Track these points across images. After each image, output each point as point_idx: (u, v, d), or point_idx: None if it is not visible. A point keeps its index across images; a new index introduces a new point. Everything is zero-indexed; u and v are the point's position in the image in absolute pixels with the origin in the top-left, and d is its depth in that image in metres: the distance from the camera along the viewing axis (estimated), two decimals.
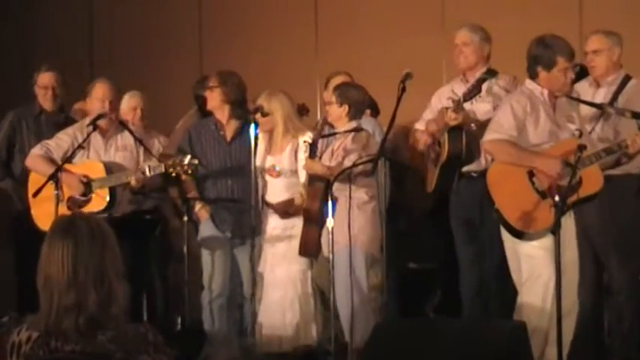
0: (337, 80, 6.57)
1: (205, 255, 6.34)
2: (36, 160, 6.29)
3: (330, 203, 5.57)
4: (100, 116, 6.19)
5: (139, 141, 6.28)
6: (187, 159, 5.91)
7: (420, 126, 6.26)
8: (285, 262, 6.11)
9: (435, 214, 6.58)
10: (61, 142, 6.30)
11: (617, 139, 5.57)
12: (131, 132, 6.30)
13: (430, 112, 6.22)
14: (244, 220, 6.15)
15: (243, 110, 6.29)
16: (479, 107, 6.04)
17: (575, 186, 5.10)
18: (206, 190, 6.35)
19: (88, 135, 6.18)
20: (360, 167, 5.72)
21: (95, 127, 6.17)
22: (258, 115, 6.09)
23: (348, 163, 5.80)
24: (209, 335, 6.31)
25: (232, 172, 6.31)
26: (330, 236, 5.59)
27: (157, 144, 6.44)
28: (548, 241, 5.04)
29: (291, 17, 8.51)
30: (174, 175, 5.94)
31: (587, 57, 5.92)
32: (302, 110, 6.38)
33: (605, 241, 5.77)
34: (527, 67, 5.48)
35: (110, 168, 6.18)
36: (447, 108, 5.97)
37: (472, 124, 5.90)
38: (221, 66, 6.84)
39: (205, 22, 8.82)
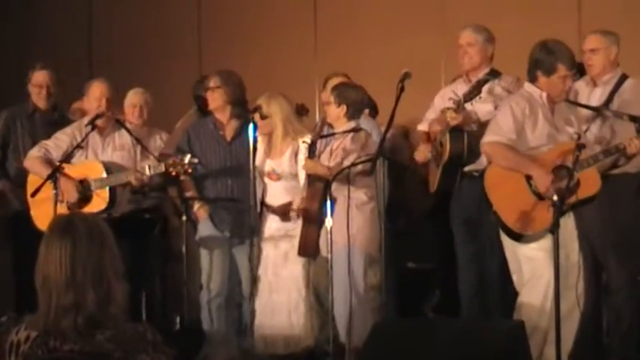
0: (335, 81, 6.57)
1: (204, 254, 6.34)
2: (34, 162, 6.29)
3: (328, 203, 5.57)
4: (98, 116, 6.20)
5: (136, 139, 6.28)
6: (187, 158, 5.91)
7: (422, 127, 6.27)
8: (289, 264, 6.11)
9: (434, 214, 6.59)
10: (59, 142, 6.31)
11: (613, 140, 5.58)
12: (128, 130, 6.29)
13: (433, 112, 6.23)
14: (243, 220, 6.15)
15: (244, 110, 6.29)
16: (481, 107, 6.04)
17: (573, 188, 5.11)
18: (206, 189, 6.35)
19: (87, 135, 6.18)
20: (359, 167, 5.72)
21: (94, 127, 6.18)
22: (257, 117, 6.09)
23: (347, 163, 5.80)
24: (208, 335, 6.31)
25: (232, 172, 6.30)
26: (329, 236, 5.59)
27: (159, 141, 6.45)
28: (547, 242, 5.05)
29: (290, 17, 8.52)
30: (173, 174, 5.94)
31: (585, 56, 5.93)
32: (301, 110, 6.38)
33: (603, 241, 5.77)
34: (527, 70, 5.49)
35: (109, 168, 6.18)
36: (448, 108, 5.99)
37: (473, 125, 5.91)
38: (220, 66, 6.84)
39: (204, 23, 8.83)
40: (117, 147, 6.31)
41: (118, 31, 8.98)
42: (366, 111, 6.43)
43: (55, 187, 5.97)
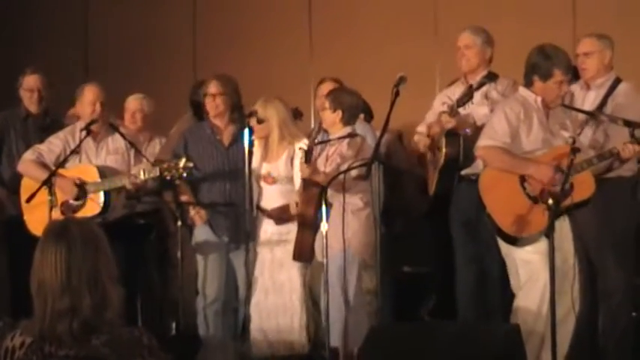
0: (326, 86, 6.58)
1: (200, 260, 6.33)
2: (28, 166, 6.28)
3: (324, 209, 5.57)
4: (93, 121, 6.20)
5: (130, 143, 6.27)
6: (182, 162, 5.90)
7: (422, 128, 6.27)
8: (285, 268, 6.11)
9: (430, 217, 6.59)
10: (52, 146, 6.30)
11: (607, 144, 5.59)
12: (122, 134, 6.29)
13: (432, 115, 6.25)
14: (241, 224, 6.14)
15: (241, 115, 6.28)
16: (477, 111, 6.05)
17: (568, 191, 5.11)
18: (203, 194, 6.34)
19: (82, 140, 6.17)
20: (355, 172, 5.72)
21: (89, 132, 6.18)
22: (253, 121, 6.09)
23: (343, 168, 5.80)
24: (204, 340, 6.31)
25: (230, 177, 6.29)
26: (325, 241, 5.59)
27: (158, 146, 6.46)
28: (543, 245, 5.06)
29: (285, 22, 8.52)
30: (168, 178, 5.93)
31: (579, 59, 5.94)
32: (296, 114, 6.38)
33: (598, 245, 5.77)
34: (524, 74, 5.50)
35: (104, 172, 6.17)
36: (443, 112, 6.00)
37: (467, 129, 5.92)
38: (215, 70, 6.83)
39: (199, 27, 8.83)
40: (110, 151, 6.31)
41: (113, 35, 8.98)
42: (361, 115, 6.43)
43: (51, 193, 5.96)
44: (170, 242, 6.72)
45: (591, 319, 5.86)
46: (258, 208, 6.21)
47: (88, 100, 6.26)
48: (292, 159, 6.15)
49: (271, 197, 6.21)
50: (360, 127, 6.18)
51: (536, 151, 5.39)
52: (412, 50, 7.80)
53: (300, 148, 6.00)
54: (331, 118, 6.03)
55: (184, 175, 5.91)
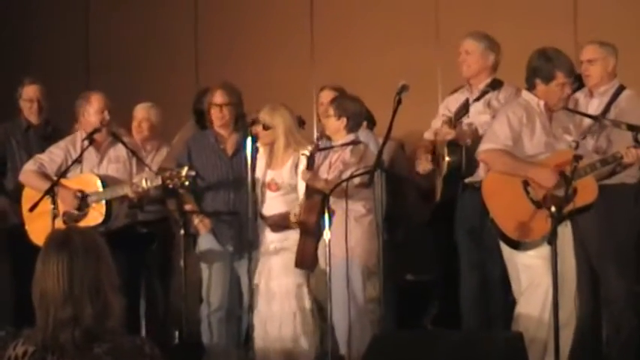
0: (326, 94, 6.58)
1: (204, 268, 6.33)
2: (30, 176, 6.28)
3: (326, 216, 5.56)
4: (96, 130, 6.19)
5: (132, 152, 6.27)
6: (184, 171, 5.89)
7: (428, 135, 6.27)
8: (280, 275, 6.10)
9: (432, 225, 6.59)
10: (53, 156, 6.30)
11: (610, 149, 5.59)
12: (124, 144, 6.28)
13: (438, 121, 6.24)
14: (245, 233, 6.14)
15: (244, 123, 6.28)
16: (479, 119, 6.04)
17: (571, 196, 5.11)
18: (207, 203, 6.33)
19: (84, 150, 6.17)
20: (357, 180, 5.72)
21: (92, 142, 6.17)
22: (259, 129, 6.09)
23: (345, 176, 5.80)
24: (207, 349, 6.30)
25: (233, 186, 6.29)
26: (327, 249, 5.59)
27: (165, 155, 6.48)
28: (545, 250, 5.05)
29: (286, 28, 8.53)
30: (171, 187, 5.93)
31: (582, 66, 5.93)
32: (298, 122, 6.38)
33: (601, 251, 5.77)
34: (525, 78, 5.50)
35: (105, 181, 6.17)
36: (444, 122, 6.01)
37: (468, 140, 5.92)
38: (217, 78, 6.83)
39: (201, 33, 8.84)
40: (112, 160, 6.30)
41: (114, 43, 8.99)
42: (364, 123, 6.43)
43: (53, 202, 5.96)
44: (175, 251, 6.73)
45: (594, 326, 5.86)
46: (261, 215, 6.21)
47: (95, 109, 6.24)
48: (297, 166, 6.15)
49: (274, 205, 6.20)
50: (362, 134, 6.18)
51: (539, 155, 5.39)
52: (413, 57, 7.80)
53: (302, 154, 6.00)
54: (335, 126, 6.03)
55: (187, 183, 5.91)
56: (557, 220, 4.90)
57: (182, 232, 6.10)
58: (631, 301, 5.80)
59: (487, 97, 6.11)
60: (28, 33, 9.12)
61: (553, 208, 4.91)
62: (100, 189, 6.14)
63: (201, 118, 6.68)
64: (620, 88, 5.90)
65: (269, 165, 6.22)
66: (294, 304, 6.07)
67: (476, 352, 4.84)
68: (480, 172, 5.81)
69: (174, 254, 6.68)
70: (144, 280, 6.62)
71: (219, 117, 6.32)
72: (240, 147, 6.24)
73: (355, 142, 5.97)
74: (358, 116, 6.09)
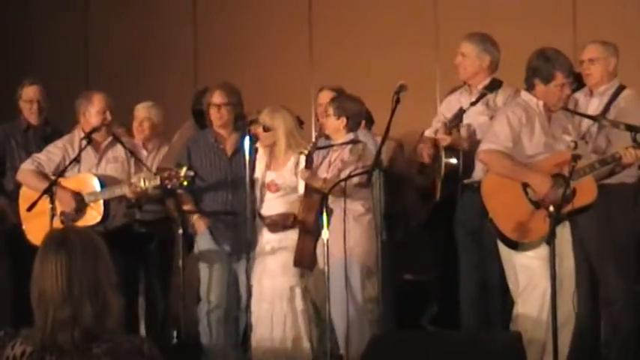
0: (325, 95, 6.58)
1: (203, 267, 6.33)
2: (27, 175, 6.27)
3: (325, 215, 5.56)
4: (94, 130, 6.18)
5: (130, 152, 6.26)
6: (183, 171, 5.89)
7: (429, 133, 6.27)
8: (275, 276, 6.09)
9: (430, 226, 6.59)
10: (51, 155, 6.28)
11: (609, 149, 5.59)
12: (123, 144, 6.28)
13: (439, 120, 6.24)
14: (242, 233, 6.14)
15: (243, 123, 6.28)
16: (477, 119, 6.04)
17: (570, 197, 5.11)
18: (206, 203, 6.33)
19: (82, 149, 6.16)
20: (356, 179, 5.72)
21: (90, 141, 6.16)
22: (257, 129, 6.09)
23: (344, 175, 5.80)
24: (205, 349, 6.30)
25: (232, 186, 6.29)
26: (326, 248, 5.59)
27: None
28: (543, 251, 5.06)
29: (285, 31, 8.54)
30: (169, 187, 5.92)
31: (584, 65, 5.94)
32: (297, 123, 6.39)
33: (600, 251, 5.77)
34: (525, 78, 5.50)
35: (103, 181, 6.16)
36: (444, 123, 6.02)
37: (464, 145, 5.92)
38: (216, 79, 6.84)
39: (200, 35, 8.84)
40: (110, 160, 6.28)
41: (114, 45, 8.99)
42: (362, 122, 6.43)
43: (52, 202, 5.95)
44: (175, 251, 6.72)
45: (593, 327, 5.86)
46: (259, 215, 6.21)
47: (97, 110, 6.22)
48: (297, 166, 6.15)
49: (273, 205, 6.20)
50: (361, 134, 6.19)
51: (538, 156, 5.38)
52: (412, 58, 7.81)
53: (300, 153, 6.01)
54: (335, 125, 6.04)
55: (185, 183, 5.91)
56: (556, 220, 4.90)
57: (180, 231, 6.10)
58: (630, 301, 5.80)
59: (485, 98, 6.12)
60: (28, 33, 9.12)
61: (551, 208, 4.92)
62: (98, 189, 6.13)
63: (201, 119, 6.68)
64: (620, 88, 5.90)
65: (269, 166, 6.23)
66: (285, 305, 6.07)
67: (474, 352, 4.84)
68: (478, 172, 5.82)
69: (175, 254, 6.67)
70: (144, 280, 6.61)
71: (217, 117, 6.32)
72: (239, 147, 6.24)
73: (355, 142, 5.98)
74: (358, 116, 6.10)
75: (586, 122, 5.83)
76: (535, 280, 5.25)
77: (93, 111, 6.22)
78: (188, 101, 7.23)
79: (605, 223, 5.66)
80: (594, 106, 5.89)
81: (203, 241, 6.33)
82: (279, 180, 6.18)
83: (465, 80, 6.18)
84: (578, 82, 5.85)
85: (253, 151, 6.13)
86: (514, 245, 5.31)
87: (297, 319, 6.06)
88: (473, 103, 6.09)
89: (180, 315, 6.28)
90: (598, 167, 5.34)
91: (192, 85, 8.22)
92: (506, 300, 5.69)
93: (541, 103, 5.45)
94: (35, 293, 2.90)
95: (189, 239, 6.37)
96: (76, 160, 6.16)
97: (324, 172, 5.99)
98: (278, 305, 6.07)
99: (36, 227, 5.97)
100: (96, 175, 6.19)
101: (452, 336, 5.30)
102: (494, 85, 6.13)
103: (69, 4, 9.25)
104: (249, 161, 6.07)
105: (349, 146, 5.97)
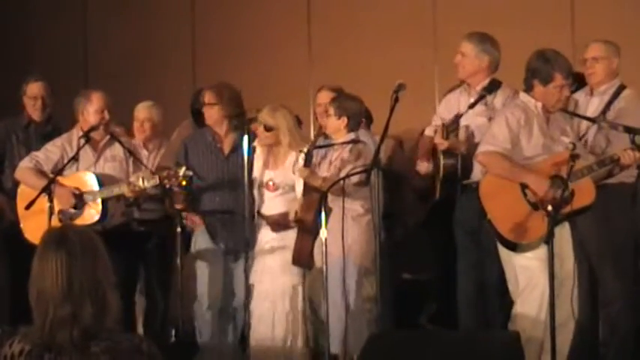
0: (324, 94, 6.58)
1: (199, 266, 6.33)
2: (25, 173, 6.26)
3: (323, 214, 5.56)
4: (93, 128, 6.19)
5: (129, 151, 6.27)
6: (182, 170, 5.89)
7: (429, 132, 6.28)
8: (276, 275, 6.09)
9: (429, 225, 6.59)
10: (49, 153, 6.28)
11: (608, 150, 5.59)
12: (121, 143, 6.28)
13: (438, 119, 6.25)
14: (240, 233, 6.14)
15: (242, 122, 6.28)
16: (475, 120, 6.04)
17: (568, 198, 5.11)
18: (203, 202, 6.33)
19: (80, 148, 6.16)
20: (355, 178, 5.72)
21: (88, 140, 6.16)
22: (257, 127, 6.09)
23: (343, 174, 5.81)
24: (202, 347, 6.30)
25: (229, 185, 6.29)
26: (324, 247, 5.59)
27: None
28: (542, 252, 5.06)
29: (284, 30, 8.54)
30: (168, 186, 5.92)
31: (587, 63, 5.94)
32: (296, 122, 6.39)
33: (598, 251, 5.77)
34: (524, 79, 5.50)
35: (102, 180, 6.16)
36: (443, 125, 6.02)
37: (462, 149, 5.92)
38: (214, 78, 6.85)
39: (198, 35, 8.85)
40: (108, 159, 6.28)
41: (112, 45, 8.99)
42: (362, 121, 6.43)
43: (50, 200, 5.95)
44: (173, 249, 6.72)
45: (592, 327, 5.86)
46: (259, 214, 6.21)
47: (95, 109, 6.22)
48: (295, 164, 6.15)
49: (273, 204, 6.20)
50: (360, 133, 6.18)
51: (537, 157, 5.39)
52: (411, 57, 7.81)
53: (299, 151, 6.01)
54: (336, 125, 6.04)
55: (184, 183, 5.91)
56: (554, 220, 4.90)
57: (178, 230, 6.10)
58: (628, 301, 5.80)
59: (484, 100, 6.11)
60: (28, 33, 9.12)
61: (549, 208, 4.92)
62: (96, 187, 6.13)
63: (199, 118, 6.69)
64: (621, 88, 5.90)
65: (267, 165, 6.23)
66: (287, 304, 6.07)
67: (473, 351, 4.84)
68: (477, 173, 5.82)
69: (174, 253, 6.67)
70: (143, 279, 6.61)
71: (207, 116, 6.35)
72: (237, 146, 6.24)
73: (355, 141, 5.98)
74: (358, 115, 6.10)
75: (585, 123, 5.84)
76: (534, 281, 5.25)
77: (91, 110, 6.22)
78: (187, 100, 7.24)
79: (604, 222, 5.66)
80: (595, 106, 5.90)
81: (200, 240, 6.33)
82: (277, 178, 6.18)
83: (464, 79, 6.18)
84: (577, 82, 5.85)
85: (251, 150, 6.13)
86: (513, 246, 5.31)
87: (298, 318, 6.06)
88: (471, 106, 6.09)
89: (178, 314, 6.28)
90: (596, 169, 5.34)
91: (190, 84, 8.23)
92: (504, 301, 5.70)
93: (539, 104, 5.45)
94: (34, 292, 2.89)
95: (187, 238, 6.37)
96: (74, 158, 6.16)
97: (324, 172, 5.99)
98: (280, 304, 6.07)
99: (34, 225, 5.97)
100: (94, 173, 6.19)
101: (450, 335, 5.30)
102: (493, 87, 6.12)
103: (68, 5, 9.25)
104: (248, 160, 6.06)
105: (349, 146, 5.97)
